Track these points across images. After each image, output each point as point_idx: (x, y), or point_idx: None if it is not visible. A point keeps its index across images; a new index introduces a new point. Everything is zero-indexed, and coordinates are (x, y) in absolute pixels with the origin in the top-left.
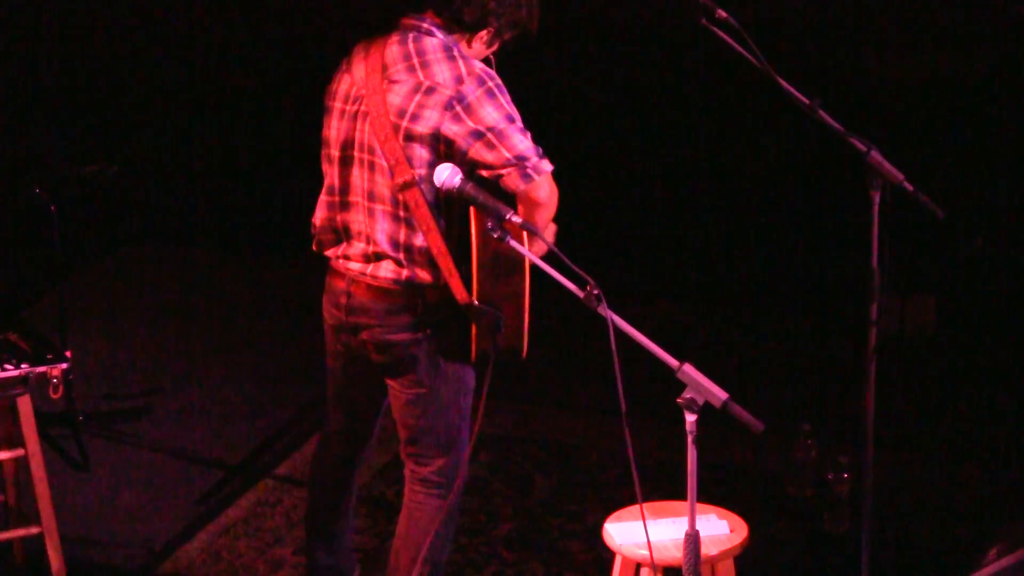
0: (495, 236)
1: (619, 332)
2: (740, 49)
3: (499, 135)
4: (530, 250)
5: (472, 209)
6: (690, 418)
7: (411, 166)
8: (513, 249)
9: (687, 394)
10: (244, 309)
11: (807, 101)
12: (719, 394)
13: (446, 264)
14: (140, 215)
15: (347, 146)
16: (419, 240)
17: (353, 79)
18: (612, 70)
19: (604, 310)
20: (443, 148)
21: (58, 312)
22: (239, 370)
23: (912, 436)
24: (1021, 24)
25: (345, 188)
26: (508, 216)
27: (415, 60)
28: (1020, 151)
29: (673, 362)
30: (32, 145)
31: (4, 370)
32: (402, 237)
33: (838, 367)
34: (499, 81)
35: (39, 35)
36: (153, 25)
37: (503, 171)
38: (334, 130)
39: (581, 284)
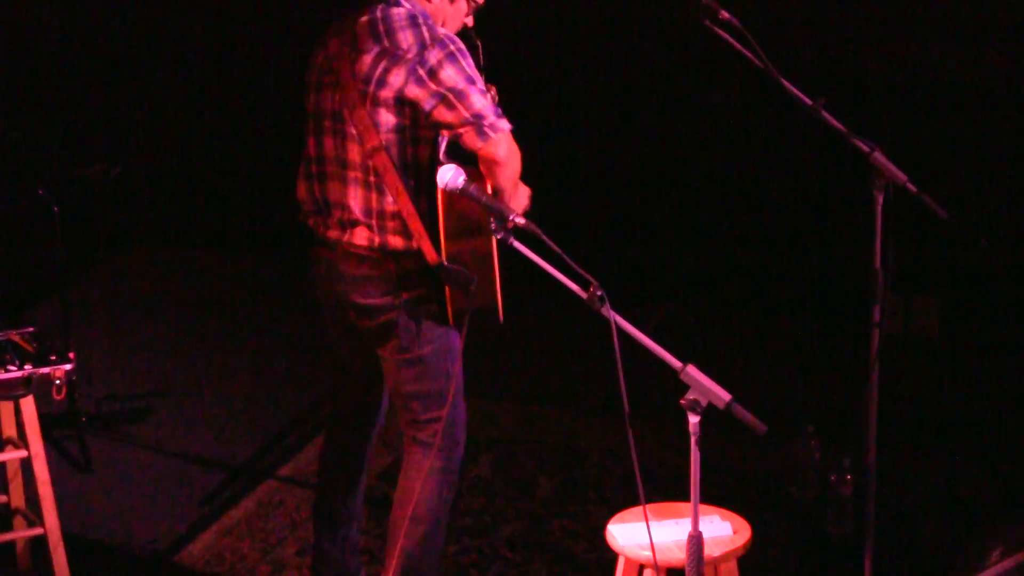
0: (498, 237)
1: (622, 333)
2: (743, 50)
3: (459, 95)
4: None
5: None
6: (693, 419)
7: (378, 132)
8: (477, 210)
9: (690, 395)
10: (247, 311)
11: (810, 102)
12: (722, 395)
13: (416, 226)
14: (143, 217)
15: (321, 116)
16: (389, 205)
17: (327, 52)
18: (616, 70)
19: (607, 311)
20: (408, 111)
21: (61, 313)
22: (242, 372)
23: (915, 438)
24: None
25: (321, 158)
26: (511, 217)
27: (380, 27)
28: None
29: (676, 363)
30: (35, 146)
31: (8, 371)
32: (373, 203)
33: (841, 368)
34: (461, 45)
35: (41, 36)
36: (154, 26)
37: (461, 129)
38: (311, 103)
39: (584, 285)
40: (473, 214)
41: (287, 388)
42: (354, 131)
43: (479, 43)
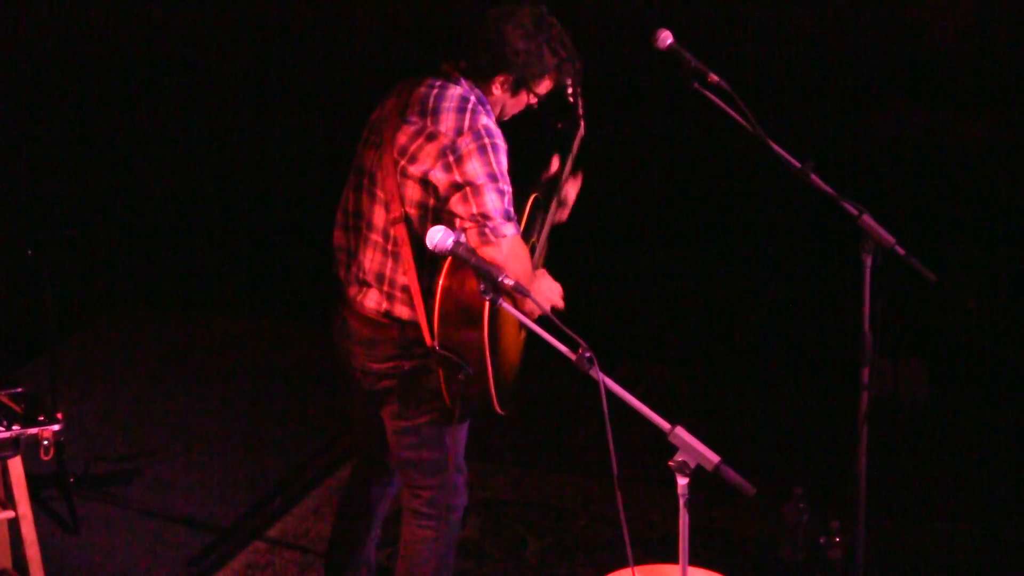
0: (488, 298)
1: (611, 395)
2: (732, 113)
3: (475, 190)
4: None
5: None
6: (682, 481)
7: (403, 203)
8: (473, 302)
9: (679, 457)
10: (235, 373)
11: (799, 165)
12: (711, 457)
13: (419, 304)
14: (131, 276)
15: (360, 173)
16: (401, 276)
17: (383, 111)
18: (607, 134)
19: (596, 372)
20: (432, 190)
21: (50, 374)
22: (230, 433)
23: (905, 501)
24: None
25: (356, 212)
26: (500, 279)
27: (430, 103)
28: (1011, 215)
29: (665, 425)
30: (23, 206)
31: None
32: (388, 270)
33: (831, 431)
34: (497, 140)
35: (30, 94)
36: (145, 83)
37: (467, 225)
38: (357, 156)
39: (573, 346)
40: (472, 306)
41: (274, 450)
42: (382, 196)
43: (583, 122)
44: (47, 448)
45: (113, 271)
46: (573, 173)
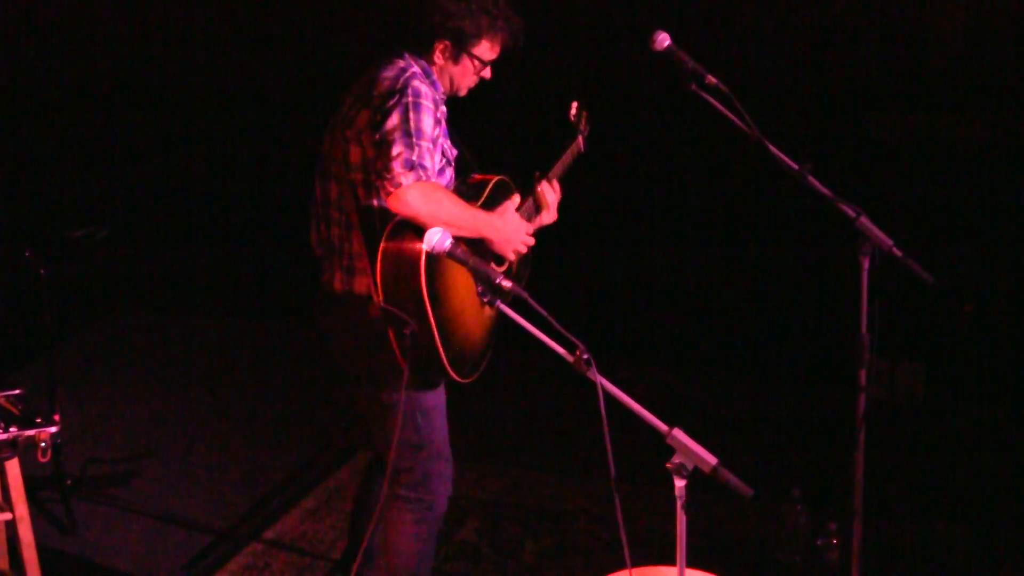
0: (485, 300)
1: (608, 397)
2: (729, 115)
3: (387, 144)
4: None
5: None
6: (679, 483)
7: (347, 170)
8: (410, 257)
9: (676, 459)
10: (232, 374)
11: (796, 167)
12: (709, 459)
13: (367, 267)
14: (129, 279)
15: (321, 158)
16: (355, 245)
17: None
18: (603, 136)
19: (593, 375)
20: (366, 151)
21: (47, 376)
22: (227, 435)
23: (901, 503)
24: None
25: (320, 199)
26: (498, 280)
27: (371, 75)
28: (1009, 217)
29: (663, 427)
30: (21, 209)
31: None
32: (344, 243)
33: (828, 433)
34: (423, 100)
35: (26, 100)
36: (142, 89)
37: (374, 179)
38: (322, 145)
39: (571, 348)
40: (409, 261)
41: (272, 451)
42: (335, 169)
43: (584, 133)
44: (44, 450)
45: (110, 274)
46: (553, 179)
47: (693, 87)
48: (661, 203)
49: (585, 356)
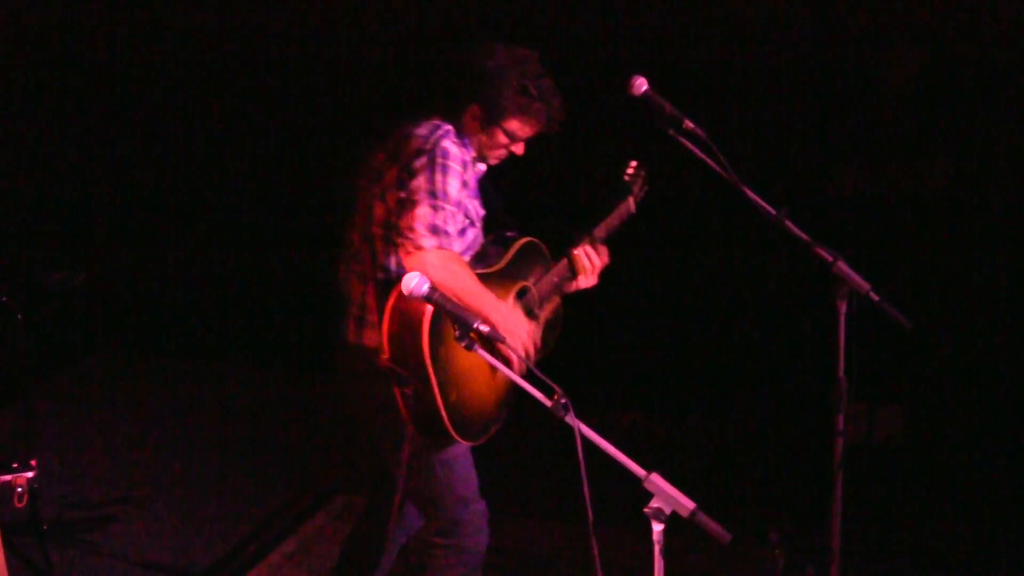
0: (463, 345)
1: (586, 441)
2: (707, 159)
3: (411, 204)
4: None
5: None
6: (657, 528)
7: (369, 223)
8: (415, 314)
9: (654, 504)
10: (210, 419)
11: (774, 211)
12: (687, 504)
13: (376, 321)
14: (107, 323)
15: (349, 205)
16: (366, 297)
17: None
18: (579, 181)
19: (571, 419)
20: (390, 208)
21: (24, 420)
22: (204, 479)
23: (880, 546)
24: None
25: (346, 244)
26: (475, 325)
27: (407, 130)
28: (980, 260)
29: (640, 471)
30: None
31: None
32: (358, 293)
33: (806, 477)
34: (451, 163)
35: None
36: (116, 136)
37: (398, 239)
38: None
39: (548, 393)
40: (413, 318)
41: (250, 495)
42: (359, 221)
43: (638, 197)
44: (21, 495)
45: (88, 318)
46: (599, 243)
47: (671, 132)
48: (635, 249)
49: (563, 400)
